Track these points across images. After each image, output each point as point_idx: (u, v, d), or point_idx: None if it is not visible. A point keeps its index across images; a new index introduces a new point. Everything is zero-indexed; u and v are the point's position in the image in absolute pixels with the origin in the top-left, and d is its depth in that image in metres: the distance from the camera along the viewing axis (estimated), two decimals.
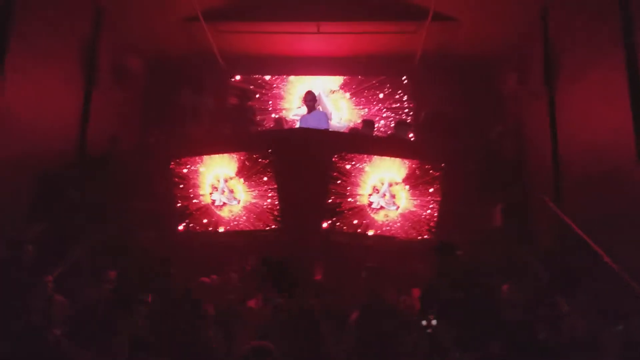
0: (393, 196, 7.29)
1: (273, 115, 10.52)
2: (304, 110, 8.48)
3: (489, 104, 9.51)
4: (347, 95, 10.82)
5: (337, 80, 10.93)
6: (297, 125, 8.38)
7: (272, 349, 3.48)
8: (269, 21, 9.51)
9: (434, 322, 3.93)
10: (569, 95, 7.39)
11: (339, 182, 7.14)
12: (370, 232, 7.26)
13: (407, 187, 7.32)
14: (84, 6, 8.22)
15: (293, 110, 10.70)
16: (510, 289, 5.44)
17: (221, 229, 7.61)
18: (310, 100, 8.19)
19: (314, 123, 7.79)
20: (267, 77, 11.04)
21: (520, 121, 8.91)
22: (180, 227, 7.78)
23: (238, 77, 11.01)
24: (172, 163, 7.79)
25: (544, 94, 7.84)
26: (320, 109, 9.51)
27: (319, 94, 10.56)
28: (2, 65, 6.30)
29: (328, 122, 8.40)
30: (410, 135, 9.21)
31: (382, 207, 7.29)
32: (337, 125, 10.47)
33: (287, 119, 10.29)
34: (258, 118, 9.99)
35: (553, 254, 6.61)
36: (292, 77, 10.96)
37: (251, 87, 10.81)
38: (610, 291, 5.28)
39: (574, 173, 7.13)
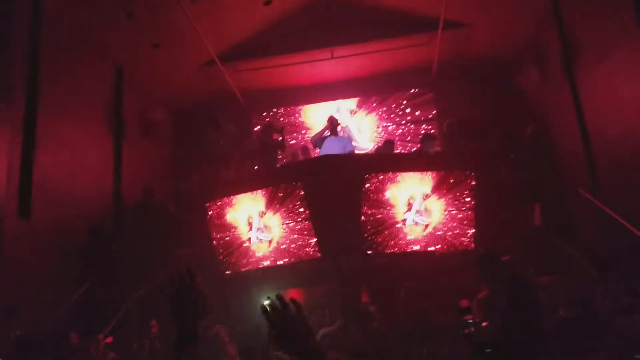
0: (427, 210, 7.24)
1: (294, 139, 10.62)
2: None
3: (512, 104, 9.40)
4: (368, 115, 10.85)
5: (355, 102, 10.98)
6: (322, 147, 8.39)
7: None
8: (283, 54, 9.70)
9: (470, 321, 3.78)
10: (591, 81, 7.28)
11: (371, 203, 7.13)
12: (410, 250, 7.20)
13: (440, 199, 7.26)
14: (104, 67, 8.53)
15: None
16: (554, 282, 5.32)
17: (262, 265, 7.66)
18: (333, 124, 8.28)
19: (338, 147, 7.85)
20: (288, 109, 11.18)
21: (546, 115, 8.78)
22: (224, 269, 7.86)
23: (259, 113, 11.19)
24: (207, 206, 7.91)
25: (566, 84, 7.73)
26: (342, 133, 9.57)
27: (339, 114, 10.65)
28: (35, 134, 6.56)
29: (352, 146, 8.46)
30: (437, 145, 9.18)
31: (417, 223, 7.23)
32: (363, 146, 10.49)
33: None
34: (284, 150, 10.08)
35: (597, 246, 6.46)
36: (312, 105, 11.05)
37: (273, 120, 10.92)
38: None
39: (607, 160, 6.98)
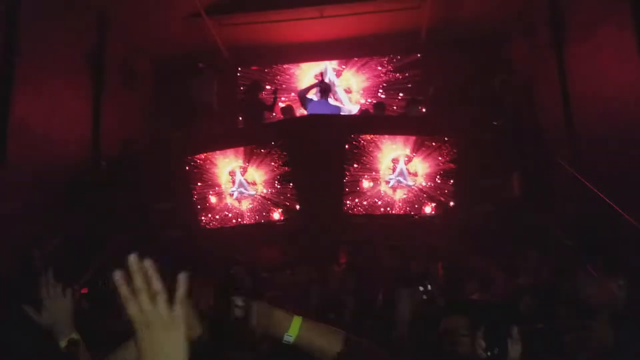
0: (409, 173, 7.27)
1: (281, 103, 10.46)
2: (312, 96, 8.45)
3: (498, 73, 9.36)
4: (356, 76, 10.73)
5: (344, 63, 10.84)
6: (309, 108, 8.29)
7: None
8: (271, 10, 9.46)
9: (429, 287, 3.75)
10: (578, 55, 7.30)
11: (354, 164, 7.13)
12: (390, 211, 7.25)
13: (423, 162, 7.28)
14: (87, 14, 8.26)
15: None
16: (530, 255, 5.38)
17: (242, 222, 7.65)
18: (325, 90, 8.21)
19: (327, 110, 7.82)
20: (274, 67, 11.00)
21: (532, 86, 8.80)
22: (203, 223, 7.84)
23: (245, 69, 11.00)
24: (189, 160, 7.83)
25: (553, 57, 7.74)
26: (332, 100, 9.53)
27: (329, 78, 10.51)
28: (13, 79, 6.38)
29: (339, 110, 8.43)
30: (422, 110, 9.18)
31: (399, 186, 7.27)
32: (348, 107, 10.41)
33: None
34: (272, 111, 9.93)
35: (575, 219, 6.53)
36: (300, 65, 10.88)
37: (259, 78, 10.74)
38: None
39: (589, 133, 7.04)
